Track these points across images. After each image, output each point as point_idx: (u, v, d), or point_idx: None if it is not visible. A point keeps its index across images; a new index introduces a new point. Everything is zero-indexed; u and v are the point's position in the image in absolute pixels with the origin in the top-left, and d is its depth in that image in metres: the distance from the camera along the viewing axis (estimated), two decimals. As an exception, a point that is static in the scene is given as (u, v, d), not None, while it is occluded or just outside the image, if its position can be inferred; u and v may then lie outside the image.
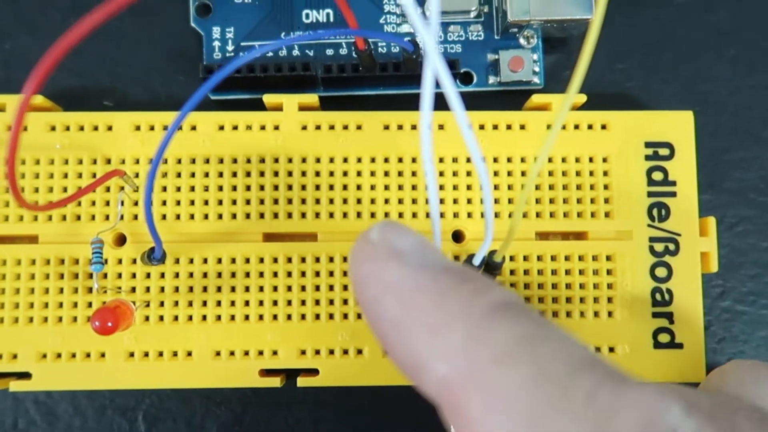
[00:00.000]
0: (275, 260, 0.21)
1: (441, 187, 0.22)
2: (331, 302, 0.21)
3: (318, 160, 0.22)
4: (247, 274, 0.21)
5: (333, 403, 0.22)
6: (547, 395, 0.11)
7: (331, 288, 0.21)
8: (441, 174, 0.22)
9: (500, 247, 0.18)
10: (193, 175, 0.21)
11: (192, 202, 0.21)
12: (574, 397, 0.11)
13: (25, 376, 0.21)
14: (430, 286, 0.12)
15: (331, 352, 0.21)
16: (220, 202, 0.21)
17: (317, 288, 0.21)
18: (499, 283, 0.14)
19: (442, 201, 0.22)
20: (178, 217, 0.21)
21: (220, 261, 0.21)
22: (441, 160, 0.22)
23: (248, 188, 0.21)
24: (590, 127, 0.22)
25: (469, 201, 0.21)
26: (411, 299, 0.12)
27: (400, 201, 0.21)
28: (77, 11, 0.23)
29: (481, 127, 0.22)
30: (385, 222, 0.14)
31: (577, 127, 0.22)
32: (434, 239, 0.17)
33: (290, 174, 0.21)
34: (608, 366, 0.11)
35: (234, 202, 0.21)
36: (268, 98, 0.22)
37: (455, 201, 0.22)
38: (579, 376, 0.11)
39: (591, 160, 0.22)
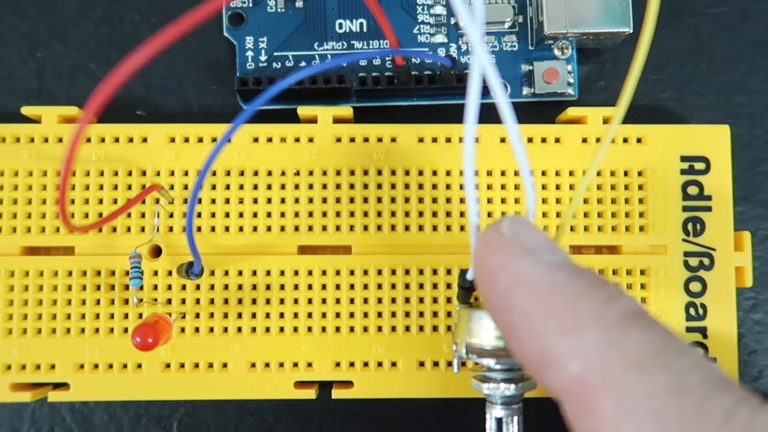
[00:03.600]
0: (310, 273, 0.21)
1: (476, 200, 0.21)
2: (366, 315, 0.21)
3: (352, 173, 0.22)
4: (282, 287, 0.21)
5: (365, 414, 0.23)
6: (682, 409, 0.11)
7: (366, 301, 0.21)
8: (475, 187, 0.22)
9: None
10: (228, 187, 0.21)
11: (227, 215, 0.21)
12: (712, 415, 0.11)
13: (63, 386, 0.21)
14: (564, 286, 0.13)
15: (366, 364, 0.21)
16: (255, 215, 0.21)
17: (352, 301, 0.21)
18: (628, 292, 0.14)
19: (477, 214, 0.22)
20: (213, 229, 0.21)
21: (255, 273, 0.21)
22: (475, 173, 0.22)
23: (283, 201, 0.21)
24: (625, 140, 0.22)
25: (503, 214, 0.21)
26: (545, 296, 0.13)
27: (434, 214, 0.21)
28: (110, 21, 0.23)
29: (516, 140, 0.22)
30: (514, 217, 0.14)
31: (612, 140, 0.22)
32: (472, 251, 0.17)
33: (324, 187, 0.21)
34: (743, 389, 0.12)
35: (269, 215, 0.21)
36: (303, 110, 0.22)
37: (489, 214, 0.22)
38: (717, 394, 0.11)
39: (626, 173, 0.22)
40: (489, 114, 0.22)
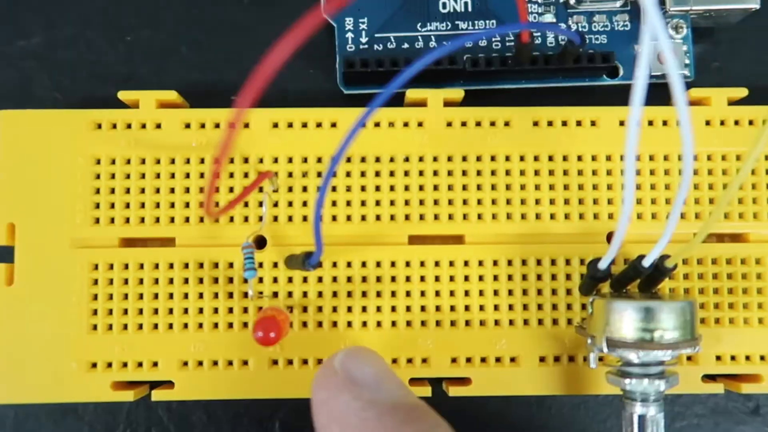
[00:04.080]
0: (422, 264, 0.20)
1: (594, 187, 0.20)
2: (482, 308, 0.20)
3: (464, 159, 0.20)
4: (393, 279, 0.20)
5: (489, 415, 0.22)
6: None
7: (482, 293, 0.20)
8: (594, 173, 0.21)
9: (677, 252, 0.18)
10: (334, 175, 0.20)
11: (334, 204, 0.20)
12: None
13: (163, 384, 0.20)
14: (374, 425, 0.14)
15: (483, 360, 0.20)
16: (364, 203, 0.20)
17: (467, 293, 0.20)
18: (444, 422, 0.15)
19: (595, 201, 0.21)
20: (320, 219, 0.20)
21: (364, 265, 0.20)
22: (593, 158, 0.21)
23: (392, 189, 0.20)
24: (751, 122, 0.21)
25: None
26: None
27: (552, 202, 0.20)
28: (200, 4, 0.22)
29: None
30: (349, 349, 0.16)
31: (737, 122, 0.21)
32: (614, 242, 0.16)
33: (436, 173, 0.20)
34: None
35: (378, 204, 0.20)
36: (412, 93, 0.21)
37: (609, 201, 0.20)
38: None
39: (753, 157, 0.21)
40: (606, 95, 0.21)
